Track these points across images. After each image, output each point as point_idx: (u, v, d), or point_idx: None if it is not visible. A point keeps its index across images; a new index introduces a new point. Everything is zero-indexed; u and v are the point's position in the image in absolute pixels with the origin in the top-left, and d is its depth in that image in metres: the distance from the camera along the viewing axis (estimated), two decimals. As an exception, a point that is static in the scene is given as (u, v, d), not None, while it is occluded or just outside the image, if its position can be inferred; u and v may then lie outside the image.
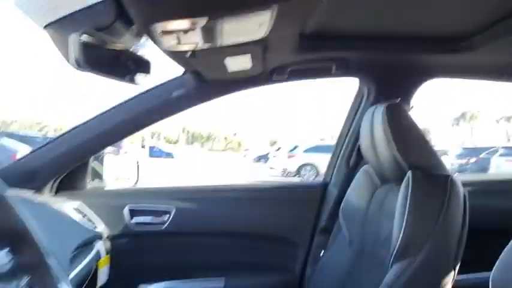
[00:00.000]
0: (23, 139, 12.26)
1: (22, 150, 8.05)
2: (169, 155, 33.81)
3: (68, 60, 0.78)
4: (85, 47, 0.74)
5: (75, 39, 0.73)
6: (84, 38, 0.75)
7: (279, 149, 19.98)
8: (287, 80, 1.51)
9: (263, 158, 25.60)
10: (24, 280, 0.60)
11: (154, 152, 31.36)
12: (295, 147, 16.01)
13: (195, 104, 1.51)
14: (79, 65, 0.75)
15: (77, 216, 1.51)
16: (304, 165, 14.01)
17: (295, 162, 14.57)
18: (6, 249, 0.61)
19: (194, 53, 1.09)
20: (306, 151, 14.77)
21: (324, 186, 1.76)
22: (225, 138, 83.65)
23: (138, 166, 1.96)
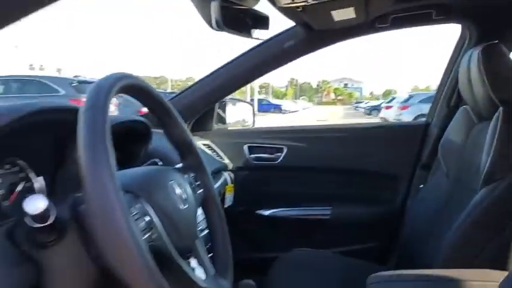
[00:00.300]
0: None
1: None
2: (277, 107, 34.50)
3: (209, 24, 1.02)
4: (223, 11, 0.98)
5: (216, 5, 0.97)
6: (222, 3, 0.98)
7: (392, 99, 19.27)
8: (389, 28, 1.62)
9: (375, 109, 24.89)
10: (191, 175, 0.90)
11: (262, 106, 32.23)
12: (410, 98, 15.30)
13: (305, 54, 1.70)
14: (219, 27, 0.99)
15: (208, 151, 1.85)
16: (420, 116, 13.37)
17: (409, 113, 13.96)
18: (179, 154, 0.90)
19: (304, 8, 1.27)
20: (421, 101, 14.04)
21: (426, 126, 1.87)
22: (335, 90, 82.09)
23: (253, 111, 2.25)
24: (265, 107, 33.59)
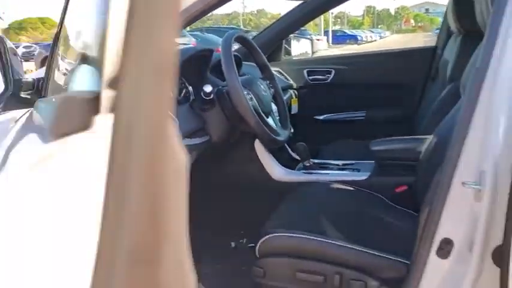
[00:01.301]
0: (220, 32, 14.30)
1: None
2: (353, 37, 33.61)
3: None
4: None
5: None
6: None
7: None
8: None
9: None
10: (267, 82, 1.76)
11: (337, 37, 31.60)
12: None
13: None
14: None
15: (277, 75, 2.67)
16: None
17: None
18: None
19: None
20: None
21: (434, 49, 2.53)
22: (415, 16, 76.61)
23: (312, 43, 3.03)
24: (339, 38, 32.76)
